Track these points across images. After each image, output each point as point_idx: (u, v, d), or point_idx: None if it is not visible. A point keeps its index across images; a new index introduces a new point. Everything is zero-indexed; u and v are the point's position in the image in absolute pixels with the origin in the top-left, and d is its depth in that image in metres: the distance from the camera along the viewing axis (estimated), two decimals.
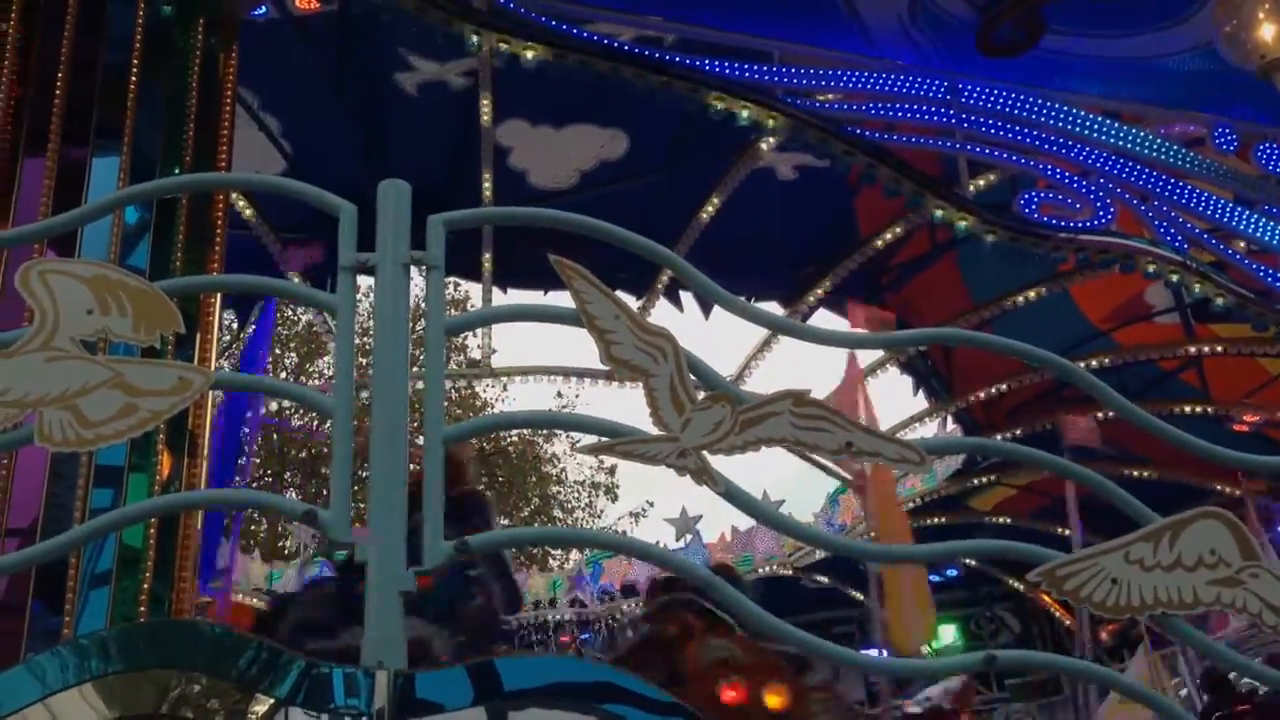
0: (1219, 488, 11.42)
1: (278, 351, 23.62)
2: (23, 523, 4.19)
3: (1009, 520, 14.05)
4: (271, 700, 2.21)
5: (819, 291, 9.94)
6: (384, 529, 2.44)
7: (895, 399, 12.06)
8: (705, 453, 2.65)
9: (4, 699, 2.14)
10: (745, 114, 5.50)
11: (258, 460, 23.61)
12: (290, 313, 23.51)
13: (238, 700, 2.23)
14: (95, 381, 2.55)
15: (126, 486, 4.10)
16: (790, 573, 15.91)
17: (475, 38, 5.33)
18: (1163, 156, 6.09)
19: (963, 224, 5.54)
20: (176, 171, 4.51)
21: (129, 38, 4.56)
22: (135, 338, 2.61)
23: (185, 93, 4.62)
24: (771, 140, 7.32)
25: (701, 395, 2.75)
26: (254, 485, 24.07)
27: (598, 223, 2.99)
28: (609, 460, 25.28)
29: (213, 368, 4.63)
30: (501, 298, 10.04)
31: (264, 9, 6.08)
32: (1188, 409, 10.60)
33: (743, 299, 3.16)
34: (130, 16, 4.58)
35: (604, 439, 2.75)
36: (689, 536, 15.58)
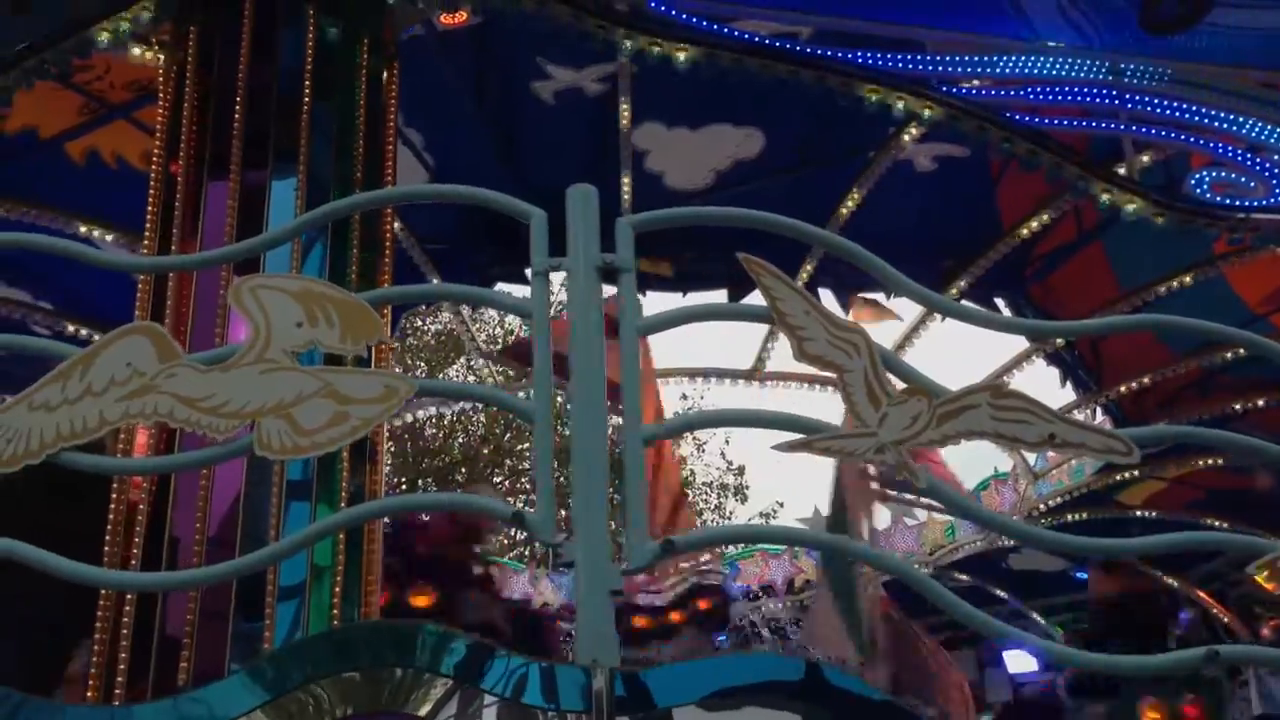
0: None
1: (408, 361, 24.12)
2: (212, 532, 4.36)
3: (1160, 515, 13.57)
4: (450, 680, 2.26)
5: (961, 284, 9.74)
6: (589, 529, 2.46)
7: (1042, 391, 11.74)
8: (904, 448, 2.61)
9: None
10: (900, 105, 5.43)
11: (389, 469, 24.23)
12: (420, 322, 24.00)
13: (424, 687, 2.29)
14: (308, 391, 2.63)
15: (315, 498, 4.24)
16: (930, 571, 15.63)
17: (628, 42, 5.37)
18: None
19: (1131, 207, 5.37)
20: (338, 192, 4.64)
21: (300, 63, 4.73)
22: (343, 348, 2.69)
23: (353, 113, 4.77)
24: (914, 132, 7.20)
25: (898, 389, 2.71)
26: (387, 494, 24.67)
27: (785, 219, 2.97)
28: (738, 461, 25.12)
29: None
30: (642, 301, 10.06)
31: (413, 27, 6.23)
32: None
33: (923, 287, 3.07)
34: (300, 42, 4.75)
35: (802, 436, 2.73)
36: None
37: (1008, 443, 2.71)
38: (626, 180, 8.31)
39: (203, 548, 4.14)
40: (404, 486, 24.18)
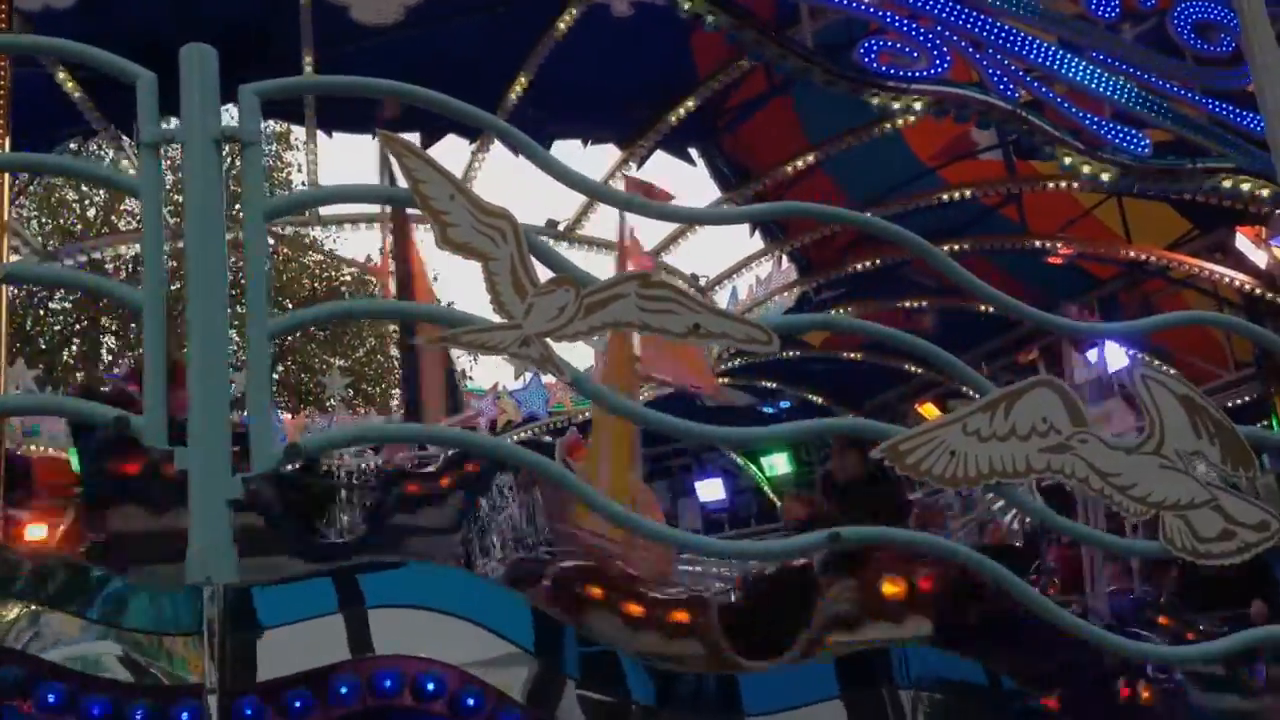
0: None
1: (84, 189, 21.94)
2: None
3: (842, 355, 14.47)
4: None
5: (655, 134, 9.81)
6: (206, 432, 2.27)
7: (733, 240, 12.22)
8: (549, 339, 2.55)
9: None
10: None
11: (70, 305, 22.16)
12: (97, 149, 21.87)
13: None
14: None
15: None
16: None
17: None
18: (995, 1, 6.11)
19: (804, 73, 5.49)
20: None
21: None
22: None
23: None
24: None
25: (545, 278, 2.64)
26: (68, 332, 22.62)
27: (422, 90, 2.76)
28: None
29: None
30: (326, 141, 9.64)
31: None
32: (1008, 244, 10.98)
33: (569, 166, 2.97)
34: None
35: (446, 330, 2.62)
36: (528, 376, 15.49)
37: (655, 333, 2.69)
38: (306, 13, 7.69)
39: None
40: (85, 325, 22.37)
